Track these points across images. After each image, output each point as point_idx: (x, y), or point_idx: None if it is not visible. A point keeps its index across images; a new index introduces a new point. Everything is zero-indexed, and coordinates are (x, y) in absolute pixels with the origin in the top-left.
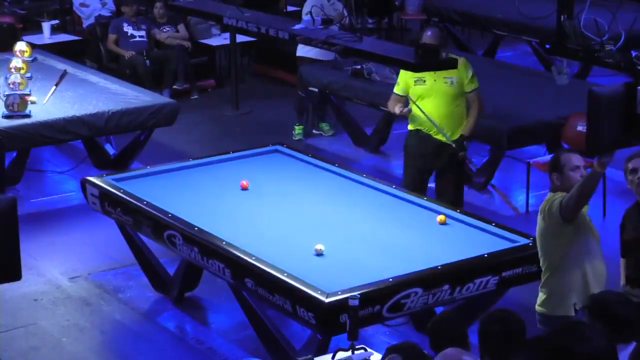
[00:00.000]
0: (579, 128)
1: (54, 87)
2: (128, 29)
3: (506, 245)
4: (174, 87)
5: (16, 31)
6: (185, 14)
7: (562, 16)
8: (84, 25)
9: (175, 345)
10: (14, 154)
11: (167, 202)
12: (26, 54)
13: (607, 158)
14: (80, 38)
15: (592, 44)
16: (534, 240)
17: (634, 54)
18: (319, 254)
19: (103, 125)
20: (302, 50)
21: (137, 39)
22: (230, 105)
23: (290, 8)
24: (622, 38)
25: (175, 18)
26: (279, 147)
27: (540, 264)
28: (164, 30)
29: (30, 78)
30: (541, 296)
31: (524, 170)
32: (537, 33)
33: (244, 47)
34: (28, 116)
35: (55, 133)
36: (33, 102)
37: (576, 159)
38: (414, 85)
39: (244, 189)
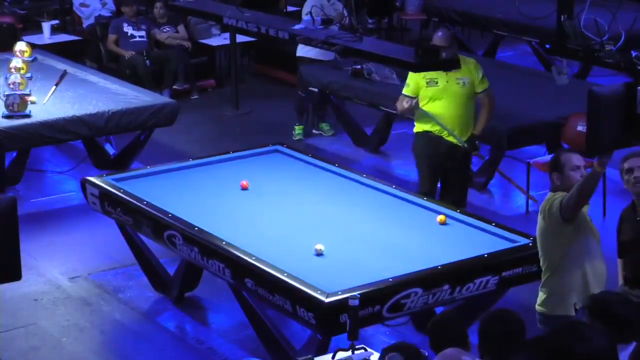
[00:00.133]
0: (579, 128)
1: (54, 87)
2: (128, 29)
3: (506, 245)
4: (174, 87)
5: (16, 31)
6: (185, 14)
7: (562, 16)
8: (84, 25)
9: (175, 345)
10: (14, 154)
11: (167, 202)
12: (26, 54)
13: (607, 158)
14: (80, 38)
15: (592, 44)
16: (534, 240)
17: (634, 54)
18: (319, 254)
19: (103, 125)
20: (302, 50)
21: (137, 39)
22: (230, 105)
23: (290, 8)
24: (622, 38)
25: (175, 18)
26: (279, 147)
27: (541, 263)
28: (164, 30)
29: (30, 78)
30: (541, 296)
31: (524, 170)
32: (537, 33)
33: (244, 47)
34: (28, 116)
35: (55, 133)
36: (33, 102)
37: (576, 159)
38: (426, 86)
39: (244, 189)
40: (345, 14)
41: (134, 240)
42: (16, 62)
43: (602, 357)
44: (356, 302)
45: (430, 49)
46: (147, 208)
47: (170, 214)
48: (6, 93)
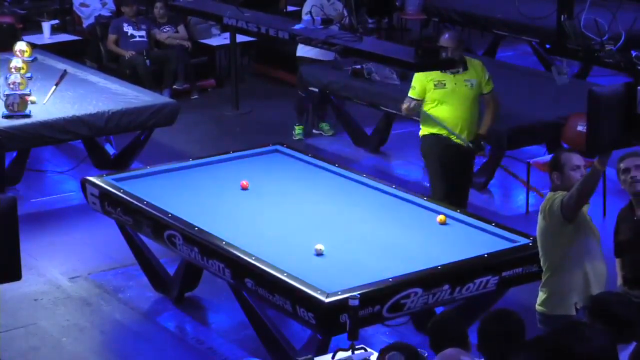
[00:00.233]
0: (579, 128)
1: (54, 87)
2: (128, 29)
3: (506, 245)
4: (174, 87)
5: (16, 31)
6: (185, 14)
7: (562, 16)
8: (84, 25)
9: (175, 345)
10: (14, 154)
11: (167, 202)
12: (26, 54)
13: (606, 156)
14: (80, 38)
15: (592, 44)
16: (534, 240)
17: (634, 54)
18: (319, 254)
19: (103, 125)
20: (302, 50)
21: (137, 39)
22: (230, 105)
23: (290, 8)
24: (622, 38)
25: (176, 18)
26: (279, 147)
27: (541, 263)
28: (164, 30)
29: (30, 78)
30: (541, 296)
31: (524, 170)
32: (537, 33)
33: (244, 47)
34: (28, 116)
35: (55, 133)
36: (33, 102)
37: (576, 159)
38: (434, 89)
39: (244, 189)
40: (345, 14)
41: (134, 240)
42: (16, 62)
43: (602, 357)
44: (356, 302)
45: (431, 49)
46: (147, 208)
47: (170, 214)
48: (6, 93)
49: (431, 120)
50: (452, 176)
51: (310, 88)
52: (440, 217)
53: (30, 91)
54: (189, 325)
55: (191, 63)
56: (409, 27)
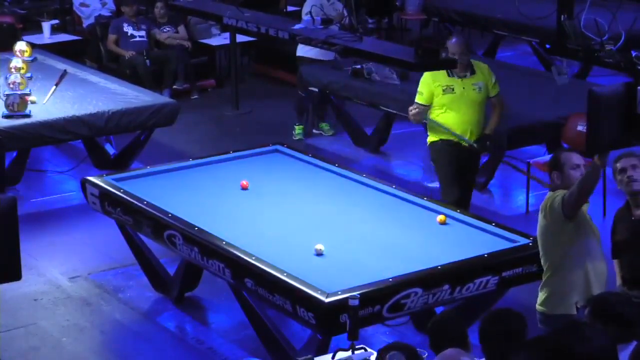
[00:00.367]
0: (579, 128)
1: (54, 87)
2: (128, 29)
3: (506, 245)
4: (174, 87)
5: (16, 31)
6: (185, 14)
7: (562, 16)
8: (84, 25)
9: (175, 345)
10: (14, 154)
11: (167, 202)
12: (26, 54)
13: (606, 155)
14: (80, 38)
15: (592, 44)
16: (534, 240)
17: (634, 54)
18: (319, 254)
19: (103, 125)
20: (302, 50)
21: (137, 39)
22: (230, 105)
23: (290, 8)
24: (622, 38)
25: (176, 18)
26: (279, 147)
27: (542, 263)
28: (164, 30)
29: (30, 78)
30: (542, 295)
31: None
32: (537, 33)
33: (244, 47)
34: (28, 116)
35: (55, 133)
36: (33, 102)
37: (576, 158)
38: (442, 94)
39: (244, 188)
40: (345, 13)
41: (134, 240)
42: (16, 62)
43: (602, 357)
44: (356, 302)
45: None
46: (147, 208)
47: (170, 214)
48: (6, 93)
49: (437, 127)
50: (462, 180)
51: (310, 88)
52: (440, 217)
53: (30, 91)
54: (189, 325)
55: (191, 63)
56: (409, 27)
